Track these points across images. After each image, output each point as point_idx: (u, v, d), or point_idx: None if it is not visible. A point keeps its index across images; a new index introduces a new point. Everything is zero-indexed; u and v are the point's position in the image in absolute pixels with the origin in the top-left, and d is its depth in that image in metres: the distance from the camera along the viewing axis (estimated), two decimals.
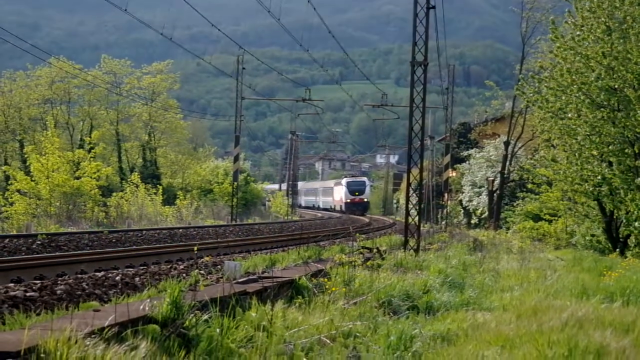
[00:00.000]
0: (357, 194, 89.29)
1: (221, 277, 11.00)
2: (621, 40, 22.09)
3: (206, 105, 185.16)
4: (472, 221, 52.59)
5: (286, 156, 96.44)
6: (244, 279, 10.16)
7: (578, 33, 23.28)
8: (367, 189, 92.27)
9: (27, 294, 10.70)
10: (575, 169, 23.98)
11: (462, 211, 56.17)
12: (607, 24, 22.49)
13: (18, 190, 37.71)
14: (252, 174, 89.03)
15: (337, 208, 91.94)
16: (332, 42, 36.62)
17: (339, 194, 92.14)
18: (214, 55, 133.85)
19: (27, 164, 41.81)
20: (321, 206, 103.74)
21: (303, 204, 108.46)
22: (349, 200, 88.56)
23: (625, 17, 22.02)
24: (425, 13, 23.30)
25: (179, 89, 71.19)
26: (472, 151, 53.20)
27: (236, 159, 52.97)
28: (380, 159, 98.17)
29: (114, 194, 44.36)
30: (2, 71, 61.37)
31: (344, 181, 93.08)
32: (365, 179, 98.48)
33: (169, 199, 49.78)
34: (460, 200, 55.62)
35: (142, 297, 8.98)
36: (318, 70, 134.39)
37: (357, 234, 18.63)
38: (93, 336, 5.61)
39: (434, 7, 23.67)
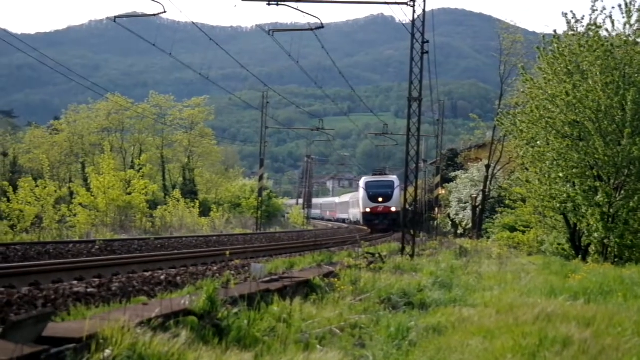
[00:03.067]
0: (380, 200, 53.11)
1: (248, 277, 10.99)
2: (580, 81, 22.21)
3: (236, 133, 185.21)
4: (459, 231, 52.28)
5: (303, 176, 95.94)
6: (268, 278, 10.15)
7: (544, 76, 23.42)
8: (397, 193, 52.27)
9: (88, 290, 10.75)
10: (545, 189, 23.93)
11: (450, 223, 55.87)
12: (568, 67, 22.61)
13: (80, 204, 37.86)
14: (274, 191, 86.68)
15: (362, 221, 55.80)
16: (341, 80, 36.64)
17: (358, 201, 57.73)
18: (243, 92, 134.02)
19: (88, 182, 41.98)
20: (352, 219, 66.77)
21: (352, 218, 68.39)
22: (368, 210, 53.28)
23: (583, 62, 22.18)
24: (420, 57, 23.54)
25: (214, 120, 71.41)
26: (458, 172, 52.95)
27: (261, 178, 53.09)
28: None
29: (159, 207, 44.40)
30: (68, 105, 62.02)
31: (362, 182, 56.89)
32: (394, 177, 56.83)
33: (205, 211, 49.78)
34: (449, 214, 55.33)
35: (182, 293, 9.00)
36: (330, 104, 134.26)
37: (362, 242, 18.53)
38: (142, 325, 5.64)
39: (427, 52, 24.01)
